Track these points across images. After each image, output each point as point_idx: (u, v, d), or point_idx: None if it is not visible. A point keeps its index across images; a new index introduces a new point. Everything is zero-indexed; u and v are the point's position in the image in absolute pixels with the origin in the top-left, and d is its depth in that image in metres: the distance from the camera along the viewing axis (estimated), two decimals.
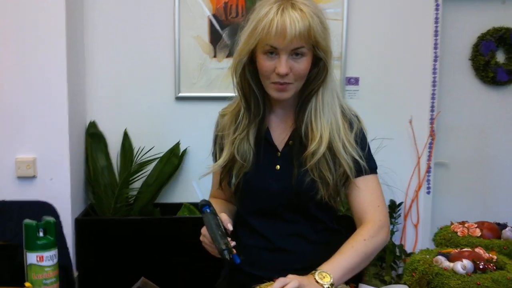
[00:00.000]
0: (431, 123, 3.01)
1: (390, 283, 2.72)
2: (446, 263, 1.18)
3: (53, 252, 1.11)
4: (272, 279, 1.40)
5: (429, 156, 3.01)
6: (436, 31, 2.98)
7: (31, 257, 1.09)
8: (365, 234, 1.38)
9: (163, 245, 2.61)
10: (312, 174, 1.43)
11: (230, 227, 1.38)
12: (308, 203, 1.49)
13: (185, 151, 2.93)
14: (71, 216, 2.57)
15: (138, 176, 2.84)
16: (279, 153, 1.50)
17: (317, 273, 1.27)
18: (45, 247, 1.09)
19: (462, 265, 1.14)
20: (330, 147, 1.42)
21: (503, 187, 3.15)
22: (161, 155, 2.90)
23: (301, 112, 1.45)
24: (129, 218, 2.72)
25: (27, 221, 1.11)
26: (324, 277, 1.28)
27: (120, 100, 2.92)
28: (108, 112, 2.91)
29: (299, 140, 1.46)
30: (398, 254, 2.91)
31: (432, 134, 3.01)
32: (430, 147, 3.01)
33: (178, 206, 2.86)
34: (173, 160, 2.85)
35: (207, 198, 1.43)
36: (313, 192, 1.44)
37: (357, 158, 1.43)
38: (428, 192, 2.99)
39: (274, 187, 1.49)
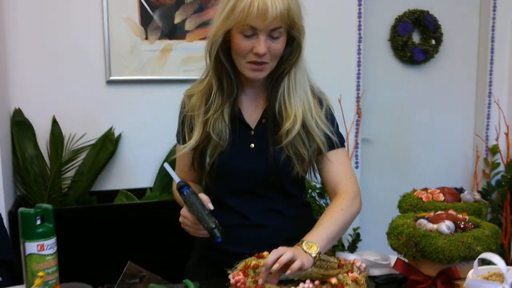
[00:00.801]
0: (357, 102, 3.17)
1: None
2: (429, 225, 1.27)
3: (53, 240, 1.06)
4: (252, 254, 1.43)
5: (357, 132, 3.17)
6: (359, 13, 3.12)
7: (31, 247, 1.03)
8: (342, 204, 1.45)
9: (102, 233, 2.53)
10: (287, 151, 1.47)
11: (211, 206, 1.39)
12: (284, 179, 1.53)
13: (119, 136, 2.84)
14: (5, 208, 2.41)
15: (71, 165, 2.72)
16: (252, 132, 1.52)
17: (304, 243, 1.32)
18: (45, 235, 1.04)
19: (446, 226, 1.24)
20: (304, 125, 1.46)
21: (421, 158, 3.38)
22: (94, 141, 2.79)
23: (274, 91, 1.48)
24: (66, 208, 2.60)
25: (23, 209, 1.04)
26: (311, 247, 1.33)
27: (46, 86, 2.76)
28: (34, 99, 2.74)
29: (272, 118, 1.49)
30: None
31: (358, 112, 3.16)
32: (357, 124, 3.16)
33: (115, 193, 2.79)
34: (108, 146, 2.76)
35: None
36: (289, 168, 1.48)
37: (329, 133, 1.49)
38: (357, 167, 3.15)
39: (250, 165, 1.51)
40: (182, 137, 1.58)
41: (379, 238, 1.70)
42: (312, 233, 1.37)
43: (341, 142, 1.55)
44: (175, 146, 2.85)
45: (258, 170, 1.51)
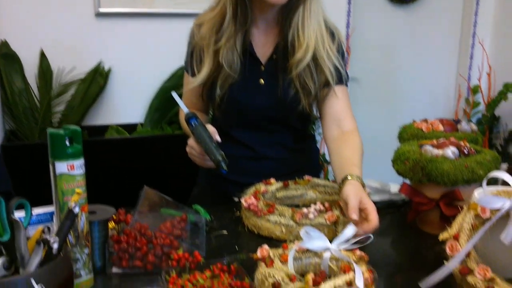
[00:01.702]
0: (347, 39, 3.19)
1: None
2: (435, 151, 1.34)
3: (82, 161, 1.08)
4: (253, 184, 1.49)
5: None
6: None
7: (61, 167, 1.05)
8: (360, 143, 1.48)
9: (93, 168, 2.54)
10: (295, 85, 1.49)
11: (218, 138, 1.41)
12: (290, 115, 1.56)
13: (109, 70, 2.82)
14: None
15: (61, 99, 2.70)
16: (262, 67, 1.53)
17: (359, 179, 1.31)
18: (74, 156, 1.06)
19: (451, 151, 1.31)
20: (315, 56, 1.48)
21: (406, 97, 3.46)
22: (83, 75, 2.77)
23: (288, 20, 1.48)
24: None
25: (52, 130, 1.06)
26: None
27: (33, 17, 2.70)
28: (21, 31, 2.68)
29: (282, 53, 1.50)
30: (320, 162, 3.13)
31: (347, 50, 3.19)
32: (346, 62, 3.19)
33: (106, 128, 2.79)
34: (99, 80, 2.74)
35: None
36: (296, 103, 1.51)
37: (339, 66, 1.52)
38: None
39: (259, 101, 1.54)
40: (191, 68, 1.58)
41: (372, 171, 1.77)
42: (356, 170, 1.35)
43: (347, 80, 1.58)
44: (167, 81, 2.86)
45: (266, 106, 1.54)
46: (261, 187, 1.48)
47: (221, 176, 1.57)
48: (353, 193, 1.22)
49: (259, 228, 1.36)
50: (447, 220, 1.28)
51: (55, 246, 0.93)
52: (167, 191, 1.42)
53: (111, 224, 1.26)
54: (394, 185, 1.60)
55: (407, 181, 1.40)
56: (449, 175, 1.27)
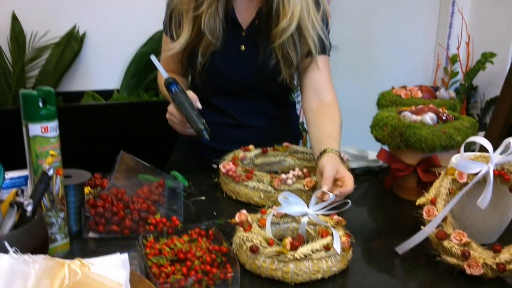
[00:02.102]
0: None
1: None
2: (414, 117, 1.34)
3: (56, 123, 1.05)
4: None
5: None
6: None
7: (35, 129, 1.02)
8: (339, 116, 1.46)
9: (69, 135, 2.50)
10: (277, 55, 1.46)
11: (199, 105, 1.38)
12: (271, 84, 1.54)
13: (84, 35, 2.75)
14: None
15: (35, 64, 2.64)
16: (244, 33, 1.50)
17: (337, 153, 1.30)
18: (48, 118, 1.03)
19: (430, 117, 1.31)
20: (299, 25, 1.44)
21: (385, 65, 3.45)
22: (57, 40, 2.70)
23: None
24: None
25: (24, 91, 1.03)
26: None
27: None
28: None
29: (265, 18, 1.46)
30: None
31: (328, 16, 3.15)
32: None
33: (81, 94, 2.74)
34: (73, 44, 2.68)
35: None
36: (277, 74, 1.49)
37: (323, 36, 1.48)
38: None
39: (239, 70, 1.51)
40: (169, 31, 1.53)
41: (350, 138, 1.78)
42: (333, 143, 1.33)
43: (330, 50, 1.56)
44: (144, 46, 2.81)
45: (247, 74, 1.51)
46: (240, 153, 1.47)
47: (200, 143, 1.55)
48: (330, 164, 1.22)
49: (238, 194, 1.36)
50: (424, 186, 1.29)
51: (29, 208, 0.91)
52: (144, 158, 1.40)
53: (87, 189, 1.24)
54: (372, 152, 1.60)
55: (385, 148, 1.40)
56: (427, 141, 1.27)
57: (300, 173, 1.34)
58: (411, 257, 1.09)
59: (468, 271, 0.99)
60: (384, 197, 1.42)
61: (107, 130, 2.55)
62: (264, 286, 1.00)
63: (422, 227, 1.05)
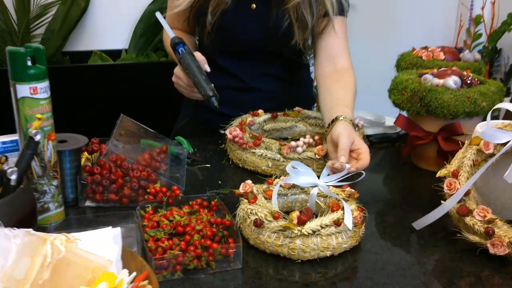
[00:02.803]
0: None
1: None
2: (435, 80, 1.23)
3: (46, 84, 0.97)
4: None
5: None
6: None
7: (23, 90, 0.94)
8: (354, 84, 1.35)
9: (76, 95, 2.43)
10: (290, 16, 1.36)
11: (207, 68, 1.29)
12: (282, 47, 1.44)
13: None
14: None
15: (41, 21, 2.54)
16: None
17: (350, 120, 1.20)
18: (37, 78, 0.95)
19: (453, 80, 1.21)
20: None
21: (406, 23, 3.29)
22: None
23: None
24: None
25: (12, 48, 0.94)
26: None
27: None
28: None
29: None
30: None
31: None
32: None
33: (89, 54, 2.65)
34: (79, 2, 2.57)
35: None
36: (289, 37, 1.38)
37: None
38: None
39: (250, 30, 1.41)
40: None
41: (366, 103, 1.68)
42: (347, 111, 1.23)
43: (347, 10, 1.44)
44: (152, 3, 2.70)
45: (257, 36, 1.41)
46: (248, 118, 1.38)
47: (206, 107, 1.47)
48: (345, 133, 1.12)
49: (244, 161, 1.28)
50: (444, 156, 1.20)
51: (13, 177, 0.84)
52: (152, 122, 1.33)
53: (86, 155, 1.17)
54: (390, 118, 1.50)
55: (404, 113, 1.30)
56: (449, 107, 1.18)
57: (311, 140, 1.25)
58: (429, 233, 1.01)
59: (491, 250, 0.91)
60: (401, 167, 1.34)
61: (115, 91, 2.47)
62: (269, 262, 0.93)
63: (442, 202, 0.96)
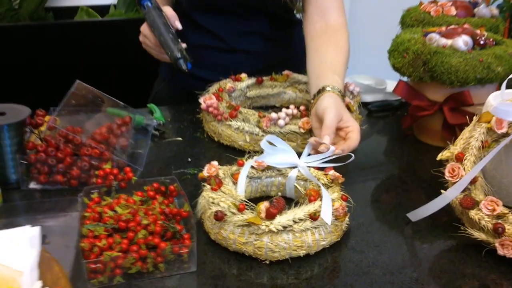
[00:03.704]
0: None
1: None
2: (442, 41, 1.04)
3: None
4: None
5: None
6: None
7: None
8: (346, 40, 1.16)
9: (59, 54, 2.25)
10: None
11: (178, 25, 1.14)
12: (267, 1, 1.25)
13: None
14: None
15: None
16: None
17: (339, 92, 1.02)
18: None
19: (463, 41, 1.02)
20: None
21: None
22: None
23: None
24: (18, 25, 2.29)
25: None
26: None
27: None
28: None
29: None
30: None
31: None
32: None
33: (74, 9, 2.46)
34: None
35: None
36: None
37: None
38: None
39: None
40: None
41: (372, 65, 1.49)
42: (336, 79, 1.06)
43: None
44: None
45: None
46: (227, 84, 1.21)
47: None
48: (332, 108, 0.95)
49: (220, 135, 1.11)
50: (451, 130, 1.03)
51: None
52: (139, 85, 1.17)
53: (37, 130, 1.01)
54: (392, 82, 1.32)
55: (405, 79, 1.12)
56: (458, 72, 0.99)
57: (295, 111, 1.08)
58: (427, 226, 0.85)
59: (500, 251, 0.75)
60: (402, 141, 1.16)
61: (103, 49, 2.28)
62: (231, 263, 0.78)
63: (442, 191, 0.79)
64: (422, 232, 0.84)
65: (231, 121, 1.08)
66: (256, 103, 1.28)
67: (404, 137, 1.17)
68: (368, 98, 1.33)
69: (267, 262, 0.77)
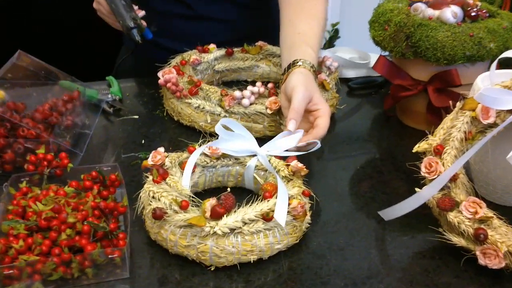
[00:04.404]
0: None
1: None
2: (429, 11, 0.92)
3: None
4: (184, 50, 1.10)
5: None
6: None
7: None
8: (323, 8, 1.03)
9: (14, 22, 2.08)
10: None
11: None
12: None
13: None
14: None
15: None
16: None
17: (311, 66, 0.89)
18: None
19: (452, 12, 0.89)
20: None
21: None
22: None
23: None
24: None
25: None
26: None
27: None
28: None
29: None
30: None
31: None
32: None
33: None
34: None
35: None
36: None
37: None
38: None
39: None
40: None
41: (362, 36, 1.36)
42: (309, 52, 0.93)
43: None
44: None
45: None
46: (192, 56, 1.09)
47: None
48: (301, 87, 0.83)
49: (179, 114, 1.00)
50: (437, 113, 0.92)
51: None
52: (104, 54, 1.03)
53: None
54: (376, 56, 1.20)
55: (386, 55, 1.00)
56: (444, 48, 0.87)
57: (262, 89, 0.96)
58: (401, 227, 0.74)
59: (481, 261, 0.64)
60: (383, 123, 1.05)
61: (57, 18, 2.08)
62: (172, 268, 0.68)
63: (417, 189, 0.69)
64: (395, 234, 0.73)
65: (190, 98, 0.97)
66: (225, 77, 1.16)
67: (386, 120, 1.05)
68: (350, 73, 1.21)
69: (211, 269, 0.67)
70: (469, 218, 0.65)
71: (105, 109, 1.03)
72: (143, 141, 0.95)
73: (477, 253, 0.65)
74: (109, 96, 1.07)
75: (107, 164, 0.79)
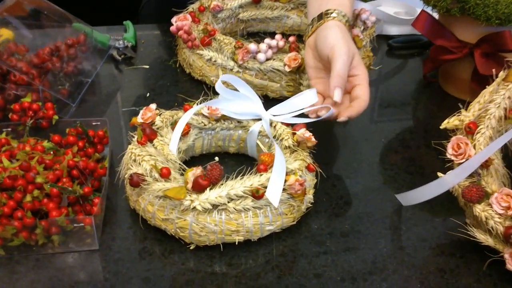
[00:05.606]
0: None
1: None
2: None
3: None
4: None
5: None
6: None
7: None
8: None
9: None
10: None
11: None
12: None
13: None
14: None
15: None
16: None
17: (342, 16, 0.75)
18: None
19: None
20: None
21: None
22: None
23: None
24: None
25: None
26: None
27: None
28: None
29: None
30: None
31: None
32: None
33: None
34: None
35: None
36: None
37: None
38: None
39: None
40: None
41: None
42: (345, 3, 0.77)
43: None
44: None
45: None
46: (213, 1, 0.98)
47: None
48: (344, 48, 0.69)
49: (191, 66, 0.90)
50: (483, 82, 0.78)
51: None
52: None
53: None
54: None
55: (429, 11, 0.86)
56: (498, 5, 0.73)
57: (281, 42, 0.85)
58: (420, 216, 0.64)
59: (510, 265, 0.53)
60: (421, 89, 0.92)
61: None
62: (149, 243, 0.60)
63: (439, 174, 0.57)
64: (411, 223, 0.62)
65: (202, 49, 0.87)
66: (251, 27, 1.05)
67: (425, 85, 0.92)
68: (393, 30, 1.08)
69: (191, 247, 0.59)
70: (499, 214, 0.53)
71: (114, 57, 0.95)
72: (148, 94, 0.87)
73: (506, 256, 0.53)
74: (121, 42, 0.98)
75: (96, 119, 0.71)
